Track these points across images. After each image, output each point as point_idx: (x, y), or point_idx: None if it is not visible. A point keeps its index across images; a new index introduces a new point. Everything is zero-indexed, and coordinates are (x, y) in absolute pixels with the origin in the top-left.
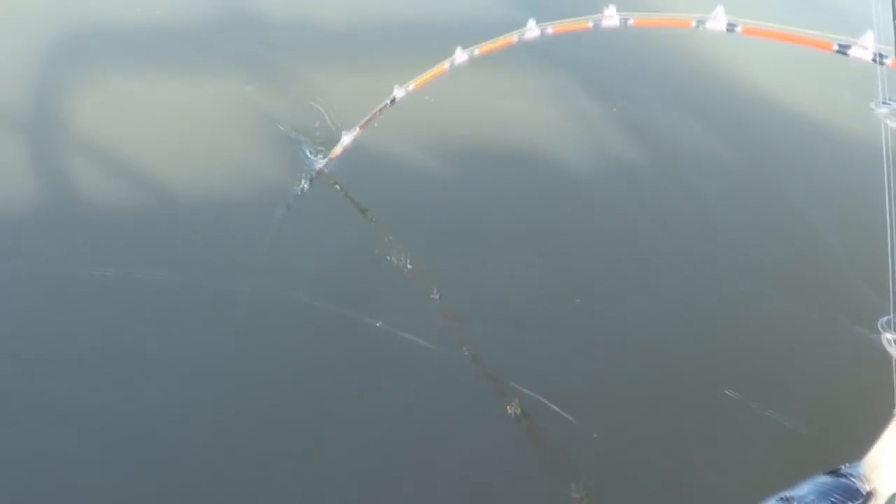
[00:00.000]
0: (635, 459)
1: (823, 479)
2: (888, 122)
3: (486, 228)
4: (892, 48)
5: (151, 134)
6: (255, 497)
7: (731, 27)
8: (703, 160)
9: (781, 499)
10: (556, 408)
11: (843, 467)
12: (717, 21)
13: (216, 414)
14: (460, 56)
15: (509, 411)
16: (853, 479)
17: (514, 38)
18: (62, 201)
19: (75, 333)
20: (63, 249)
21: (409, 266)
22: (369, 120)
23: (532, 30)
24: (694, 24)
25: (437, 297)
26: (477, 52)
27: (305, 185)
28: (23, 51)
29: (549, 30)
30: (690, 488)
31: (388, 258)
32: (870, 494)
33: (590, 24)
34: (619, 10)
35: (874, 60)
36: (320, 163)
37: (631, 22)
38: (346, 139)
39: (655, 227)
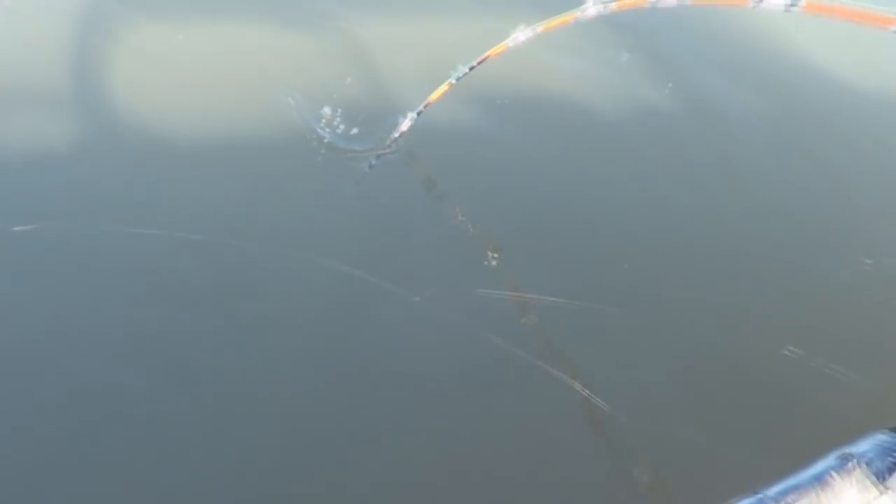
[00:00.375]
0: (695, 424)
1: (884, 437)
2: None
3: (555, 202)
4: None
5: (196, 90)
6: (278, 475)
7: (790, 6)
8: (760, 132)
9: (841, 455)
10: (585, 394)
11: None
12: None
13: (244, 380)
14: (523, 34)
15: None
16: None
17: (576, 14)
18: (95, 157)
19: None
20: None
21: (467, 229)
22: (432, 100)
23: (591, 7)
24: (752, 3)
25: (495, 260)
26: (540, 29)
27: (368, 167)
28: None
29: (611, 5)
30: (752, 444)
31: (450, 232)
32: None
33: (647, 4)
34: None
35: None
36: (379, 150)
37: (688, 1)
38: (407, 120)
39: (718, 192)
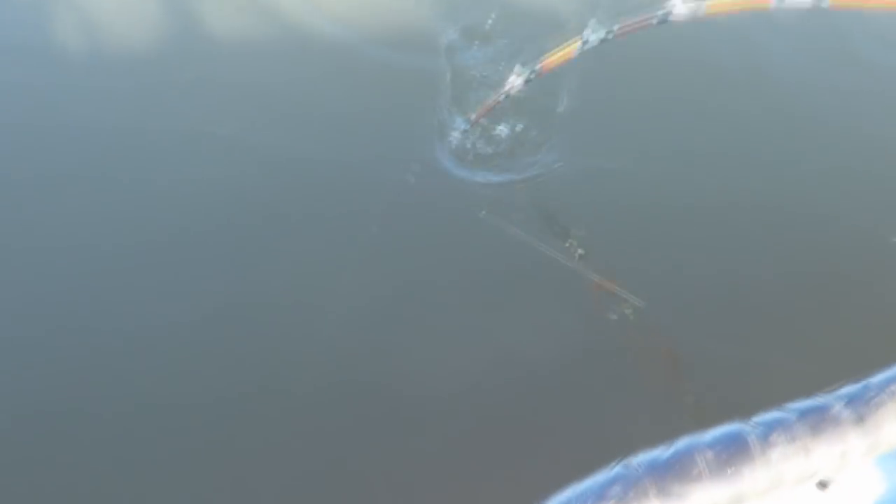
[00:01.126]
0: (807, 312)
1: None
2: None
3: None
4: None
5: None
6: None
7: (818, 2)
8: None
9: None
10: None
11: None
12: None
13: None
14: (592, 36)
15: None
16: None
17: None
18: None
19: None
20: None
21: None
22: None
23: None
24: (775, 3)
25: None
26: (615, 30)
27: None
28: None
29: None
30: (862, 330)
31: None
32: None
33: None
34: None
35: None
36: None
37: (702, 12)
38: (517, 81)
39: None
